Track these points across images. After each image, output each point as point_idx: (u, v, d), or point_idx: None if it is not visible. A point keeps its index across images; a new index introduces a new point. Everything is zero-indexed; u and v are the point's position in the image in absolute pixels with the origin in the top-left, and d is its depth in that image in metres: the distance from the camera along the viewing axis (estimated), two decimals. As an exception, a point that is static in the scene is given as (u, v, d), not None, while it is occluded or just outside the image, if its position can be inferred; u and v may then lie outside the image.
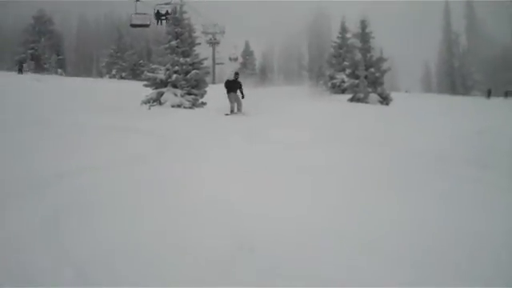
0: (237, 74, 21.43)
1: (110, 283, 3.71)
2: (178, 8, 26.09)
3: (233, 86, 20.76)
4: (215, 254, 4.31)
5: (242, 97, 20.83)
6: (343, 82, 48.52)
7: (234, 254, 4.35)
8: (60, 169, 7.47)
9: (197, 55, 26.08)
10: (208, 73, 27.65)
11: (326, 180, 7.56)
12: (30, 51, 65.55)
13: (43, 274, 3.84)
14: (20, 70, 51.85)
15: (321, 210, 5.89)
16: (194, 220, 5.33)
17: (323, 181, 7.50)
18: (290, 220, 5.39)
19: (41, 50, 65.77)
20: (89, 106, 20.97)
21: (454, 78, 76.52)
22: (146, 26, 28.69)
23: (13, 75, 46.58)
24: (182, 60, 24.81)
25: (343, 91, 46.24)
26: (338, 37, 57.07)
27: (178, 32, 25.50)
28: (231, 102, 20.63)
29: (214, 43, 64.54)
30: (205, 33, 59.90)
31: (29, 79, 40.82)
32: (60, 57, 70.71)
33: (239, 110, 20.61)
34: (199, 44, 27.35)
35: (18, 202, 5.73)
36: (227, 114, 20.00)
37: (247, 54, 70.35)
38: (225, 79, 21.67)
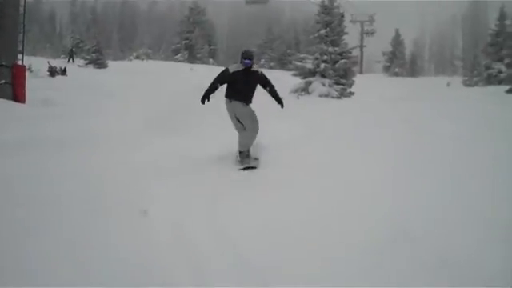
0: (249, 54, 8.29)
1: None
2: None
3: (243, 87, 8.16)
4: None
5: (281, 104, 8.64)
6: (500, 72, 45.69)
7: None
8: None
9: (345, 44, 25.81)
10: (356, 62, 27.26)
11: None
12: (184, 41, 68.47)
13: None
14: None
15: None
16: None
17: None
18: None
19: (194, 41, 68.44)
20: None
21: None
22: (264, 2, 28.54)
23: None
24: (330, 49, 24.66)
25: (500, 82, 43.57)
26: (495, 24, 53.70)
27: (328, 21, 25.34)
28: (239, 127, 8.29)
29: (362, 33, 63.68)
30: (353, 21, 59.09)
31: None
32: (212, 47, 73.31)
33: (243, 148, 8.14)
34: (347, 34, 26.99)
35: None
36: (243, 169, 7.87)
37: (397, 42, 68.22)
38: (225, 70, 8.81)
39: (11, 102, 13.27)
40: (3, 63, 13.84)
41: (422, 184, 6.24)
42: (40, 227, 4.42)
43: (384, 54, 69.00)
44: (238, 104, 7.97)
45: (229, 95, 8.04)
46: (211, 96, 7.83)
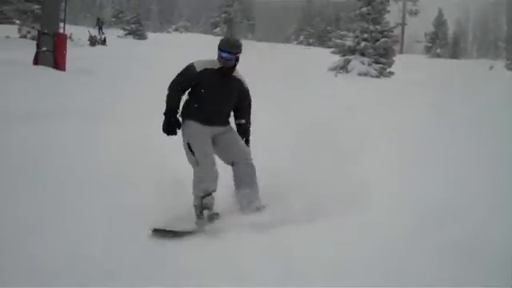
0: (233, 45, 4.48)
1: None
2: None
3: (217, 98, 4.55)
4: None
5: (247, 143, 4.88)
6: (547, 55, 44.51)
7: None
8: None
9: (387, 23, 25.39)
10: (397, 41, 26.82)
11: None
12: (223, 15, 68.31)
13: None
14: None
15: None
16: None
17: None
18: None
19: (233, 14, 68.20)
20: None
21: None
22: None
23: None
24: (371, 27, 24.29)
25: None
26: (543, 6, 52.36)
27: (370, -2, 24.95)
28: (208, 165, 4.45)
29: (404, 11, 62.53)
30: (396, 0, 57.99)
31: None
32: (250, 22, 72.88)
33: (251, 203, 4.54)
34: (389, 12, 26.52)
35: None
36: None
37: (440, 22, 66.74)
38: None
39: (52, 70, 13.45)
40: (45, 31, 14.03)
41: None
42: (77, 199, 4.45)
43: (426, 34, 67.64)
44: (217, 129, 4.60)
45: (192, 113, 4.53)
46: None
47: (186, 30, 62.36)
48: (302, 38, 69.34)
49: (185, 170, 4.59)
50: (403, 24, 61.49)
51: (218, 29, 66.95)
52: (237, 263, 3.56)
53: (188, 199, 4.45)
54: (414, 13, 60.60)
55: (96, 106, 8.87)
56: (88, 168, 5.30)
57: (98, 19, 41.47)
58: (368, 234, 4.00)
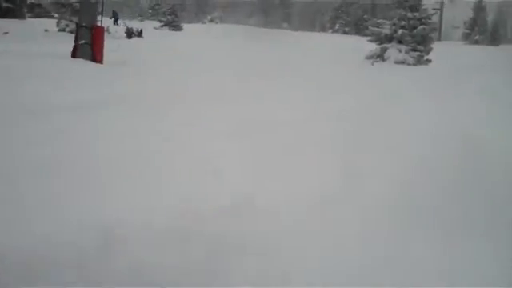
0: None
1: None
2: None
3: None
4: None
5: None
6: None
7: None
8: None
9: (425, 10, 25.01)
10: (435, 29, 26.38)
11: None
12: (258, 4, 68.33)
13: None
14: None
15: None
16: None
17: None
18: None
19: (268, 3, 68.07)
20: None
21: None
22: None
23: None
24: (409, 14, 23.94)
25: None
26: None
27: (407, -15, 24.57)
28: None
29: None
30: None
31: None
32: (286, 10, 72.58)
33: None
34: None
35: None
36: None
37: (479, 8, 65.43)
38: None
39: (90, 62, 13.63)
40: (83, 24, 14.22)
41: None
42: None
43: (465, 22, 66.46)
44: None
45: None
46: None
47: (221, 20, 62.33)
48: (337, 26, 68.73)
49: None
50: (441, 10, 60.28)
51: (253, 18, 66.94)
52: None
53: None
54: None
55: (136, 94, 8.95)
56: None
57: (114, 11, 41.99)
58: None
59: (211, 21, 61.57)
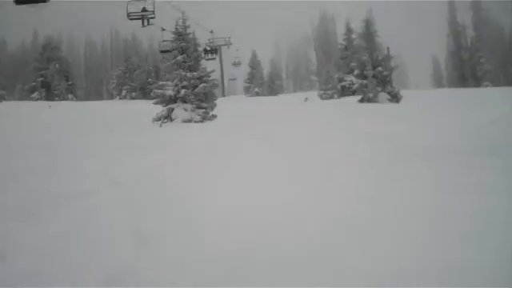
0: None
1: None
2: (181, 22, 26.03)
3: None
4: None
5: None
6: (352, 83, 48.40)
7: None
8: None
9: (204, 68, 26.11)
10: (217, 85, 27.66)
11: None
12: (40, 79, 65.89)
13: None
14: None
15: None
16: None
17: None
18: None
19: (50, 77, 66.08)
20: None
21: (464, 70, 75.61)
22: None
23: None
24: (189, 74, 24.80)
25: (353, 93, 46.15)
26: (343, 38, 57.02)
27: (184, 47, 25.53)
28: None
29: (221, 57, 64.12)
30: (210, 45, 59.25)
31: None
32: (70, 82, 70.91)
33: None
34: (204, 58, 27.45)
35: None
36: None
37: (255, 63, 70.13)
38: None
39: None
40: None
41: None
42: None
43: (246, 79, 70.58)
44: None
45: None
46: None
47: (2, 98, 58.88)
48: (124, 92, 68.74)
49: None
50: (221, 68, 63.11)
51: (35, 93, 64.47)
52: None
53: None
54: (238, 63, 61.66)
55: None
56: None
57: None
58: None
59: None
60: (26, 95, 65.27)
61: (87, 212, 6.46)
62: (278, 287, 3.52)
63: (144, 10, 24.27)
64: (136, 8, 24.24)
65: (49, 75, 66.19)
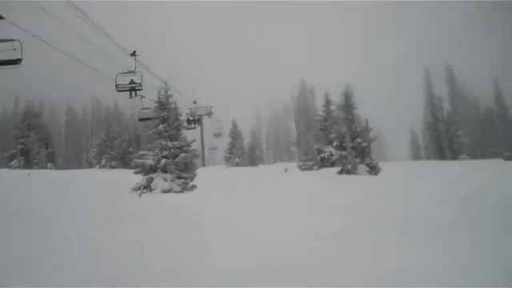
0: None
1: None
2: (163, 92, 26.38)
3: None
4: None
5: None
6: (331, 154, 48.90)
7: None
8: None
9: (185, 138, 26.26)
10: (197, 155, 27.77)
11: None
12: (19, 146, 65.44)
13: None
14: None
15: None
16: None
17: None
18: None
19: (30, 145, 65.72)
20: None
21: (441, 142, 76.97)
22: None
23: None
24: (169, 144, 24.94)
25: (332, 164, 46.53)
26: (322, 110, 57.94)
27: (165, 116, 25.77)
28: None
29: (202, 127, 64.45)
30: (191, 115, 59.52)
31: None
32: (49, 150, 70.54)
33: None
34: (185, 128, 27.67)
35: None
36: None
37: (235, 134, 70.60)
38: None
39: None
40: None
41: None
42: None
43: (227, 149, 70.73)
44: None
45: None
46: None
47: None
48: (104, 161, 68.47)
49: None
50: (202, 138, 63.14)
51: (14, 161, 63.96)
52: None
53: None
54: (219, 134, 62.07)
55: None
56: None
57: None
58: None
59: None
60: (5, 163, 64.54)
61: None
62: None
63: (132, 82, 24.52)
64: (125, 80, 24.49)
65: (29, 143, 65.87)
